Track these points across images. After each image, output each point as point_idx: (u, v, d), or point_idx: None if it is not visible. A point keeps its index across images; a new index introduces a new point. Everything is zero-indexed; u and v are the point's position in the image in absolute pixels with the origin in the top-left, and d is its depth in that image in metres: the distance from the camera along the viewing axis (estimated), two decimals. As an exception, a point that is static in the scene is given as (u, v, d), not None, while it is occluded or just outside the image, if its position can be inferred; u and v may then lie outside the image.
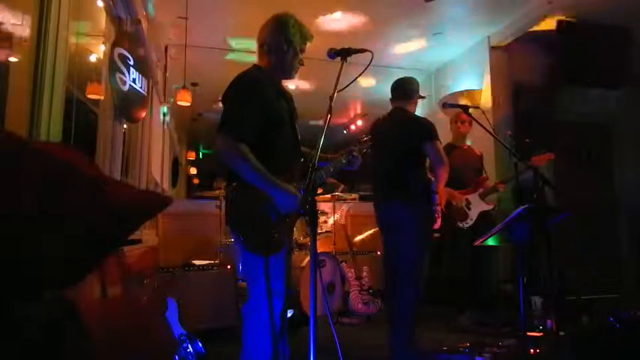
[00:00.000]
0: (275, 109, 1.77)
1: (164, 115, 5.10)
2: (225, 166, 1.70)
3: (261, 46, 1.88)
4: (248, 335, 1.74)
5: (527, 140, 3.05)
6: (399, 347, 2.51)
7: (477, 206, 3.37)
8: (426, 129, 2.64)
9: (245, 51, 5.08)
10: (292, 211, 1.65)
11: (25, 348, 0.71)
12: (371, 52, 1.61)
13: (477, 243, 2.53)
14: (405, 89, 2.80)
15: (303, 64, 1.90)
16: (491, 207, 3.39)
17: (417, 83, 2.85)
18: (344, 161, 1.90)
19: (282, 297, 1.69)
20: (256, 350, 1.71)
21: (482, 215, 3.35)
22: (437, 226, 2.60)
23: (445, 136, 5.14)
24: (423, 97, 2.89)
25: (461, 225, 3.34)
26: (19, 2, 1.67)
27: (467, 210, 3.35)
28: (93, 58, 3.11)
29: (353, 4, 4.25)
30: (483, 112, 3.44)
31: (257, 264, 1.64)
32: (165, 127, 5.23)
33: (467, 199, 3.37)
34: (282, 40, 1.82)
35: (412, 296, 2.56)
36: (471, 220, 3.34)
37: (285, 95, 1.92)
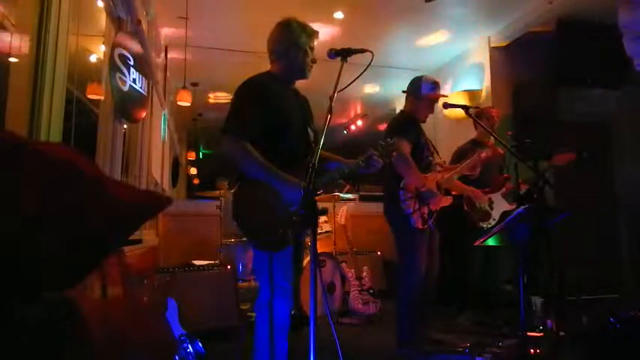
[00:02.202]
0: (280, 111, 1.80)
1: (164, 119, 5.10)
2: (230, 165, 1.72)
3: (270, 53, 1.94)
4: (256, 330, 1.76)
5: (527, 140, 3.04)
6: (397, 346, 2.58)
7: (500, 206, 3.31)
8: (390, 126, 2.67)
9: (246, 51, 5.08)
10: (297, 201, 1.65)
11: (24, 349, 0.71)
12: (371, 52, 1.62)
13: (477, 243, 2.53)
14: (410, 89, 2.80)
15: (315, 62, 1.93)
16: (513, 208, 3.32)
17: (418, 82, 2.75)
18: (362, 164, 1.85)
19: (288, 293, 1.71)
20: (263, 345, 1.72)
21: (504, 215, 3.28)
22: (418, 224, 2.52)
23: (446, 135, 5.19)
24: (434, 98, 2.75)
25: (483, 225, 3.27)
26: (20, 2, 1.67)
27: (490, 210, 3.31)
28: (93, 58, 3.12)
29: (353, 4, 4.26)
30: (484, 112, 3.43)
31: (263, 259, 1.69)
32: (166, 130, 5.23)
33: (490, 199, 3.33)
34: (289, 45, 1.87)
35: (402, 296, 2.61)
36: (494, 220, 3.27)
37: (299, 98, 1.97)
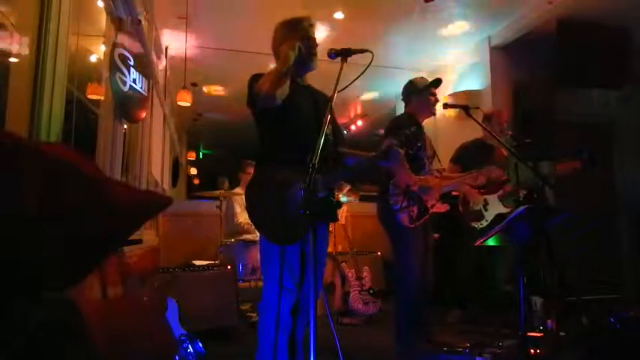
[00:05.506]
0: (288, 98, 1.78)
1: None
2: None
3: (275, 57, 1.93)
4: (259, 331, 1.76)
5: (527, 140, 3.04)
6: (396, 346, 2.57)
7: (495, 208, 3.28)
8: (387, 124, 2.67)
9: (246, 51, 5.08)
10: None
11: (25, 348, 0.71)
12: (371, 52, 1.62)
13: (477, 243, 2.53)
14: (403, 96, 2.82)
15: (316, 44, 1.91)
16: (508, 211, 3.29)
17: (412, 84, 2.77)
18: (381, 155, 1.78)
19: (292, 295, 1.70)
20: (268, 346, 1.72)
21: (498, 218, 3.22)
22: (407, 223, 2.49)
23: (445, 136, 5.18)
24: (433, 85, 2.72)
25: (475, 225, 3.24)
26: (20, 2, 1.67)
27: (484, 211, 3.30)
28: (93, 59, 3.11)
29: (353, 4, 4.26)
30: (484, 113, 3.42)
31: (271, 257, 1.69)
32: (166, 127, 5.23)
33: (485, 200, 3.30)
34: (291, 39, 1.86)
35: (399, 297, 2.61)
36: (486, 221, 3.23)
37: (314, 95, 1.97)
